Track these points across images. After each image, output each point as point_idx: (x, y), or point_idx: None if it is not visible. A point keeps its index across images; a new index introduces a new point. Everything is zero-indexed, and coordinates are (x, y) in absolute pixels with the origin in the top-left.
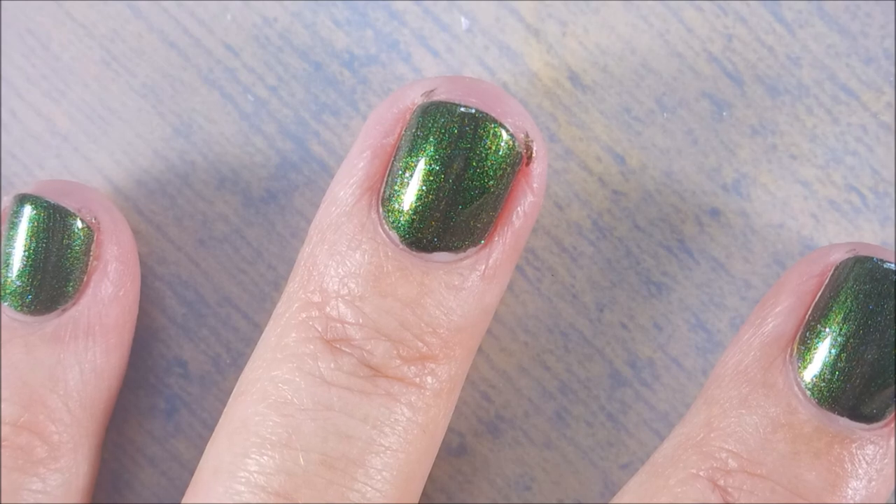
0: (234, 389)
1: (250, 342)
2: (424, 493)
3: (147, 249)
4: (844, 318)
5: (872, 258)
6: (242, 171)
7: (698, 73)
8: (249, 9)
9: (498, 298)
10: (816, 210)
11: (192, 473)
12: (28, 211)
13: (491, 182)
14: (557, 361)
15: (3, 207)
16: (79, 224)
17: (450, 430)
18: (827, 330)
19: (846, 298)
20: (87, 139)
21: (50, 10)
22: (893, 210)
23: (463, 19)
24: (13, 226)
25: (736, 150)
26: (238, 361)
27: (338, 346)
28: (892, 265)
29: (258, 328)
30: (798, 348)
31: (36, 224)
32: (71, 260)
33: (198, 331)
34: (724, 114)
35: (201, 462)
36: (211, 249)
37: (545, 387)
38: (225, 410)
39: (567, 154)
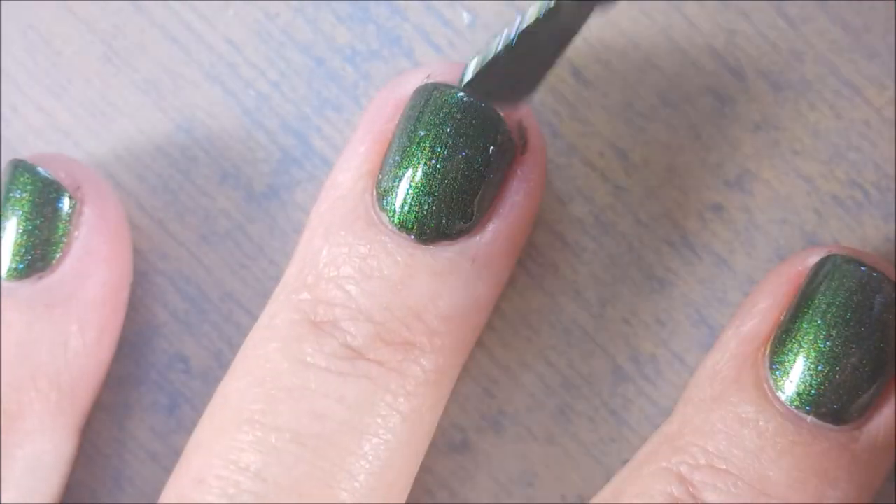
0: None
1: None
2: (426, 489)
3: (149, 245)
4: (815, 319)
5: (847, 259)
6: (244, 166)
7: (701, 68)
8: (251, 4)
9: (493, 293)
10: (819, 205)
11: None
12: (8, 177)
13: (483, 168)
14: (560, 357)
15: None
16: (62, 193)
17: (452, 425)
18: (798, 330)
19: (818, 299)
20: (88, 134)
21: (51, 6)
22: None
23: (465, 14)
24: None
25: (739, 145)
26: None
27: (324, 328)
28: (866, 267)
29: None
30: (770, 348)
31: (18, 190)
32: (49, 228)
33: (200, 326)
34: (727, 109)
35: (190, 438)
36: (213, 245)
37: (547, 382)
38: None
39: (569, 149)
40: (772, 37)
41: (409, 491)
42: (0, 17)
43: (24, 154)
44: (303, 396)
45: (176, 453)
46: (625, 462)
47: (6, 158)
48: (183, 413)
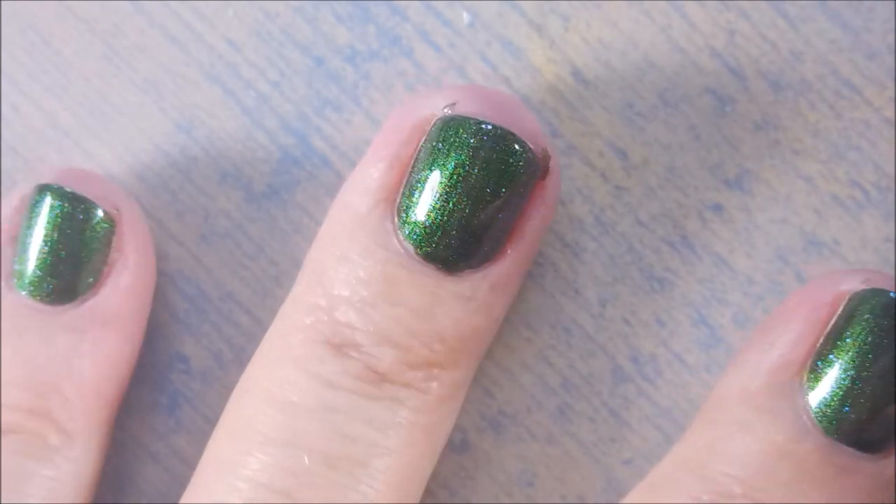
0: (237, 387)
1: (252, 338)
2: (426, 489)
3: None
4: (858, 350)
5: (889, 291)
6: (244, 166)
7: (701, 68)
8: (251, 4)
9: (507, 308)
10: (819, 205)
11: (193, 469)
12: (49, 201)
13: (509, 198)
14: (559, 357)
15: (24, 196)
16: (101, 215)
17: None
18: (839, 360)
19: (861, 330)
20: (88, 134)
21: (51, 6)
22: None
23: (465, 14)
24: (34, 215)
25: (739, 145)
26: (240, 357)
27: (344, 350)
28: None
29: (260, 324)
30: (808, 376)
31: (58, 214)
32: (92, 251)
33: (200, 326)
34: (727, 109)
35: (202, 459)
36: (213, 245)
37: (547, 382)
38: (226, 408)
39: (569, 149)
40: (771, 37)
41: (422, 492)
42: (0, 17)
43: (24, 153)
44: (330, 418)
45: (176, 453)
46: (625, 462)
47: (6, 157)
48: (183, 413)
